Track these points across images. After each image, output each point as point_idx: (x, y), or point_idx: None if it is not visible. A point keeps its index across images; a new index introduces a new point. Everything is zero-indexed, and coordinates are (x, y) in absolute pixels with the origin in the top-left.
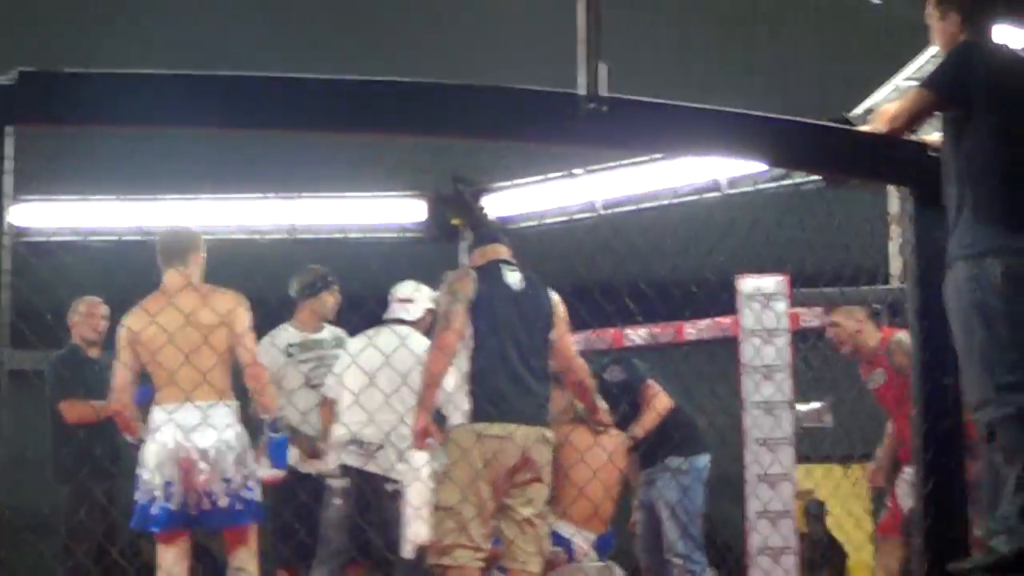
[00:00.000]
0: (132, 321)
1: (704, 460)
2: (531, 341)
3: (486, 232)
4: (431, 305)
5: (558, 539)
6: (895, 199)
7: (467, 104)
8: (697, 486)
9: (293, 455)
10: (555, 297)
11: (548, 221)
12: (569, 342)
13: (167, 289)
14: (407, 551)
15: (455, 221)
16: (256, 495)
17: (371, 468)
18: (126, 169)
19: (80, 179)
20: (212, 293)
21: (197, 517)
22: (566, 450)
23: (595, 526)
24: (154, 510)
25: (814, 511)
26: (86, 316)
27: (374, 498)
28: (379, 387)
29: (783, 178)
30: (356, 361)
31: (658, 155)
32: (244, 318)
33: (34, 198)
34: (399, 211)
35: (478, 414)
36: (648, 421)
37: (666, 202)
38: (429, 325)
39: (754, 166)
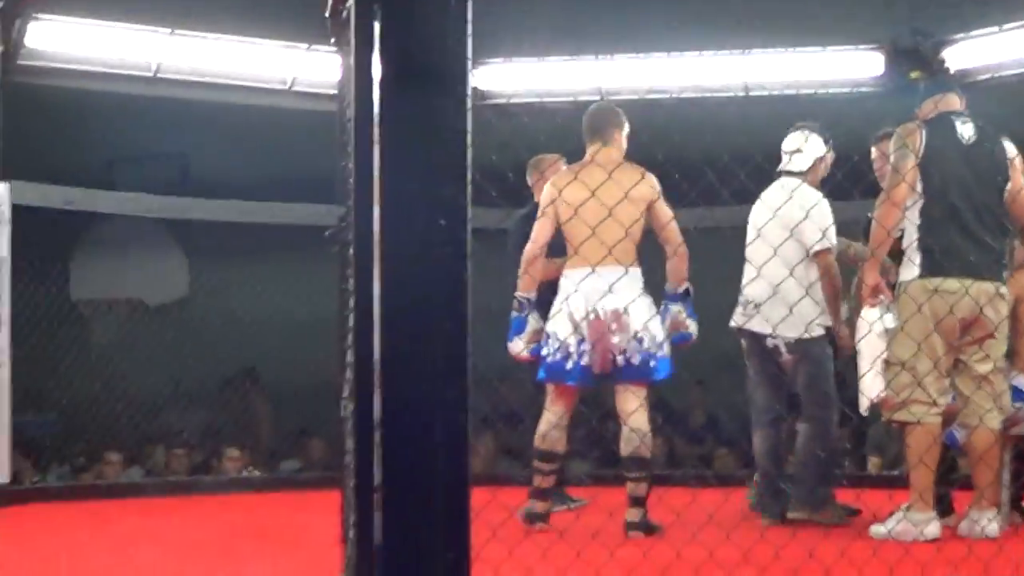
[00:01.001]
0: (557, 184)
1: None
2: (984, 194)
3: (938, 83)
4: (820, 155)
5: (1020, 395)
6: None
7: None
8: None
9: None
10: (1011, 148)
11: (1006, 73)
12: None
13: (587, 161)
14: (863, 407)
15: (913, 75)
16: (665, 353)
17: (753, 326)
18: (581, 29)
19: (536, 41)
20: (626, 168)
21: (607, 374)
22: None
23: None
24: (569, 366)
25: None
26: (546, 175)
27: (764, 355)
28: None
29: None
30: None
31: None
32: (656, 192)
33: (495, 61)
34: (854, 65)
35: (931, 269)
36: None
37: None
38: (819, 172)
39: None
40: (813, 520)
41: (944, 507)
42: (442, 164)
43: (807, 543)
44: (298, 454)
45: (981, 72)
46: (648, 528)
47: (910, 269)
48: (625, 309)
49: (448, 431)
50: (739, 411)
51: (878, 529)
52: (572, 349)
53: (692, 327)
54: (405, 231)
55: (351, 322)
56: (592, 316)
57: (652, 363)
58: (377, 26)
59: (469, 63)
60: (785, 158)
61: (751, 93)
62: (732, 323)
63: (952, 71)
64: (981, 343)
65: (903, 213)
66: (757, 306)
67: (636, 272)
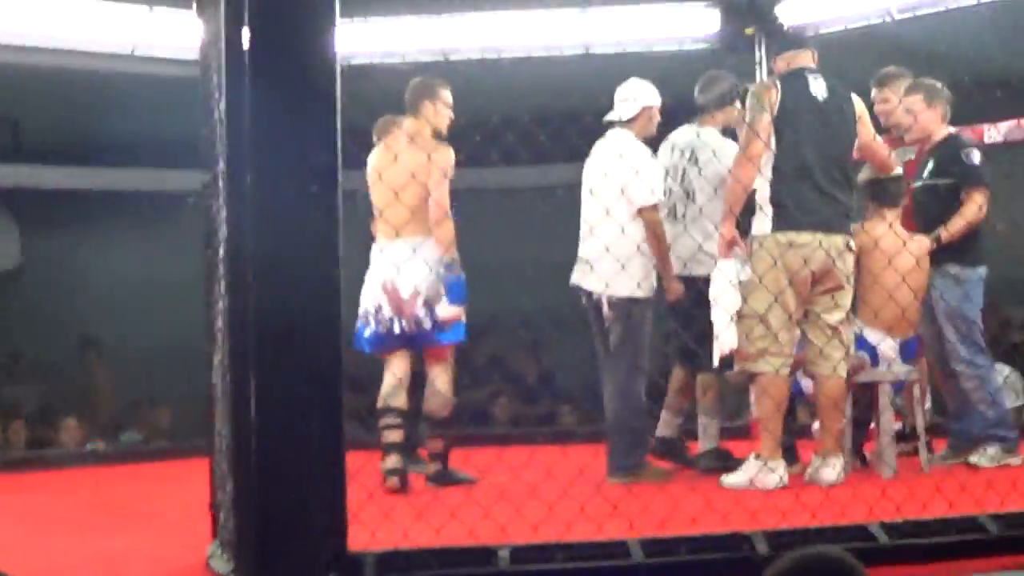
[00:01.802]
0: (369, 158)
1: (982, 271)
2: (835, 150)
3: (791, 38)
4: (648, 103)
5: (863, 344)
6: None
7: None
8: (975, 293)
9: None
10: (860, 104)
11: (834, 29)
12: (877, 144)
13: (396, 134)
14: (716, 359)
15: (748, 31)
16: (460, 319)
17: (582, 283)
18: None
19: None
20: (424, 143)
21: (404, 338)
22: (874, 255)
23: (902, 331)
24: (367, 333)
25: None
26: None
27: (598, 313)
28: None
29: None
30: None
31: None
32: (439, 168)
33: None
34: (691, 22)
35: (784, 223)
36: (958, 228)
37: (965, 5)
38: (648, 123)
39: None
40: (631, 483)
41: (790, 456)
42: (313, 132)
43: (673, 494)
44: (142, 424)
45: (812, 28)
46: (445, 480)
47: (763, 223)
48: (416, 277)
49: (322, 396)
50: (582, 369)
51: (731, 479)
52: (370, 318)
53: (442, 307)
54: (277, 199)
55: (221, 289)
56: (386, 284)
57: (444, 328)
58: None
59: (336, 30)
60: (615, 107)
61: (591, 51)
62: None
63: (789, 27)
64: (831, 293)
65: (758, 168)
66: (586, 263)
67: (427, 242)
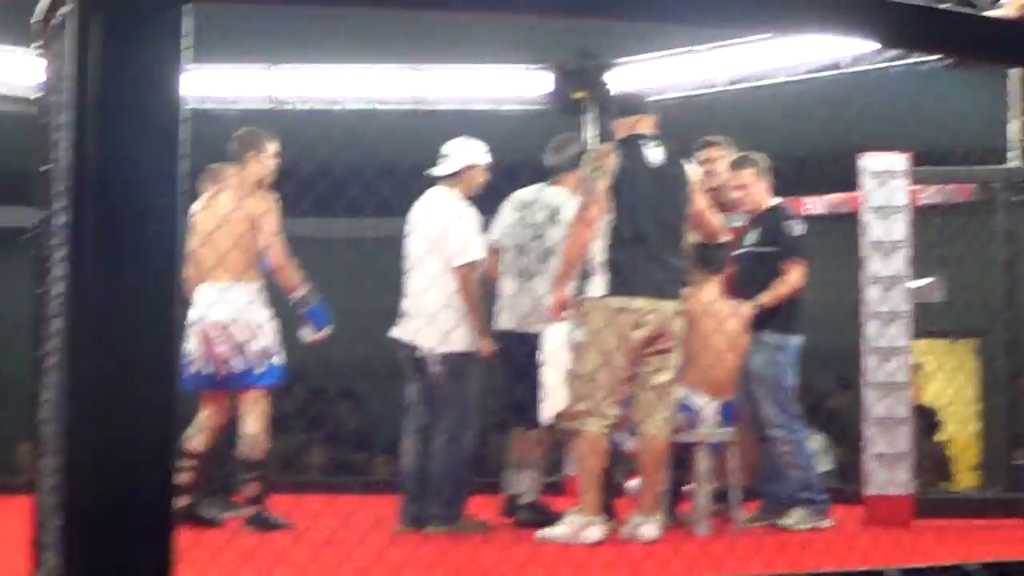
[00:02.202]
0: (195, 205)
1: (798, 340)
2: (669, 216)
3: (630, 104)
4: (472, 161)
5: (685, 406)
6: (1017, 80)
7: None
8: (792, 361)
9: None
10: (694, 172)
11: (666, 97)
12: (710, 214)
13: (225, 182)
14: (546, 417)
15: (578, 95)
16: (274, 362)
17: (404, 337)
18: (257, 38)
19: (213, 47)
20: (248, 195)
21: (219, 380)
22: (704, 320)
23: (724, 394)
24: (187, 373)
25: None
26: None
27: (416, 366)
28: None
29: (904, 57)
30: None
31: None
32: (271, 221)
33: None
34: (524, 84)
35: (618, 288)
36: (780, 293)
37: (784, 79)
38: (471, 181)
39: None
40: (450, 533)
41: (607, 512)
42: (156, 173)
43: (499, 545)
44: None
45: (652, 94)
46: (262, 524)
47: (596, 286)
48: (231, 320)
49: (154, 436)
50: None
51: (550, 532)
52: (191, 358)
53: (308, 333)
54: (118, 239)
55: (54, 327)
56: (200, 327)
57: (255, 370)
58: (95, 37)
59: (181, 75)
60: (439, 163)
61: (429, 107)
62: (391, 333)
63: (620, 92)
64: (660, 355)
65: (595, 232)
66: (410, 317)
67: (247, 285)
